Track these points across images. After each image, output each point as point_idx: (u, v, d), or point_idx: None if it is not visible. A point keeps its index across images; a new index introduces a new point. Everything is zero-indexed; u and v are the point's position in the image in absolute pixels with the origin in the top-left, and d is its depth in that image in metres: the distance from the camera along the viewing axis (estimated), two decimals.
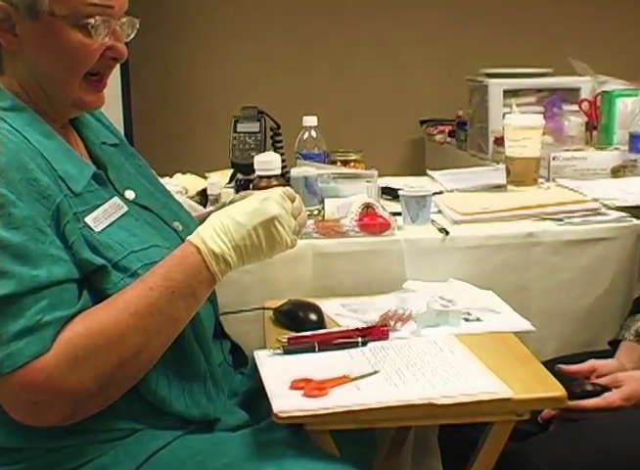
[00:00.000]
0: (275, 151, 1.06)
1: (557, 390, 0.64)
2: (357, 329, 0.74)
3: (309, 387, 0.63)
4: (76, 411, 0.60)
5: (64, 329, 0.58)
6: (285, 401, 0.61)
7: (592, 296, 0.93)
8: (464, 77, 1.60)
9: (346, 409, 0.60)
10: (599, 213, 0.97)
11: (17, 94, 0.65)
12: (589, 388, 0.74)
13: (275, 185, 0.86)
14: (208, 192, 1.05)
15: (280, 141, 1.10)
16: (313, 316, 0.78)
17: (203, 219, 0.69)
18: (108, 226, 0.64)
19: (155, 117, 2.07)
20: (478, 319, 0.79)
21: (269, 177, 0.90)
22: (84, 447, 0.62)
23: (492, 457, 0.66)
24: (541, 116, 1.15)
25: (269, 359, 0.70)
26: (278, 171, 0.91)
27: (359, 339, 0.72)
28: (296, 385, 0.64)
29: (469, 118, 1.60)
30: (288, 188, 0.69)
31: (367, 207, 0.93)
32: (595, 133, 1.33)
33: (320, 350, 0.71)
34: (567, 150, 1.20)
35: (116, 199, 0.67)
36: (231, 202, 0.72)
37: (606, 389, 0.74)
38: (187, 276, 0.62)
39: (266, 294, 0.86)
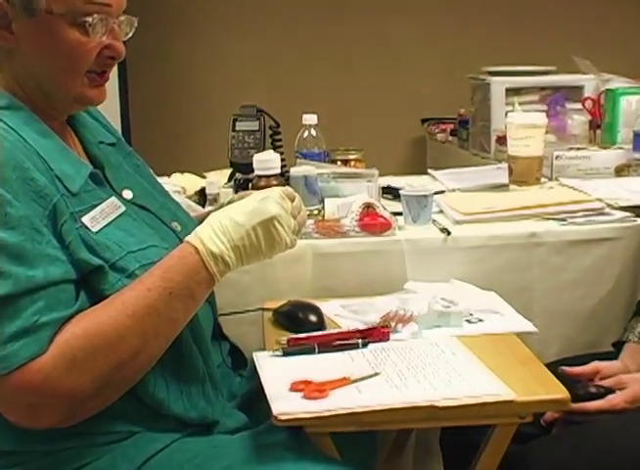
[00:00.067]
0: (274, 150, 1.06)
1: (560, 392, 0.64)
2: (358, 330, 0.73)
3: (309, 389, 0.62)
4: (73, 414, 0.59)
5: (61, 330, 0.58)
6: (284, 404, 0.61)
7: (596, 297, 0.92)
8: (466, 75, 1.59)
9: (347, 411, 0.60)
10: (603, 213, 0.96)
11: (13, 92, 0.64)
12: (593, 390, 0.73)
13: (274, 184, 0.85)
14: (207, 191, 1.04)
15: (279, 140, 1.10)
16: (313, 317, 0.78)
17: (201, 220, 0.68)
18: (105, 226, 0.63)
19: (153, 116, 2.07)
20: (479, 320, 0.78)
21: (268, 177, 0.89)
22: (81, 450, 0.62)
23: (494, 460, 0.66)
24: (544, 114, 1.14)
25: (268, 361, 0.69)
26: (277, 171, 0.90)
27: (359, 340, 0.71)
28: (295, 387, 0.63)
29: (471, 117, 1.59)
30: (287, 187, 0.68)
31: (368, 206, 0.92)
32: (599, 132, 1.32)
33: (320, 351, 0.70)
34: (570, 149, 1.19)
35: (114, 199, 0.66)
36: (229, 202, 0.72)
37: (610, 391, 0.73)
38: (185, 277, 0.61)
39: (265, 294, 0.85)
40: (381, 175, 1.02)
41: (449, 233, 0.91)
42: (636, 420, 0.70)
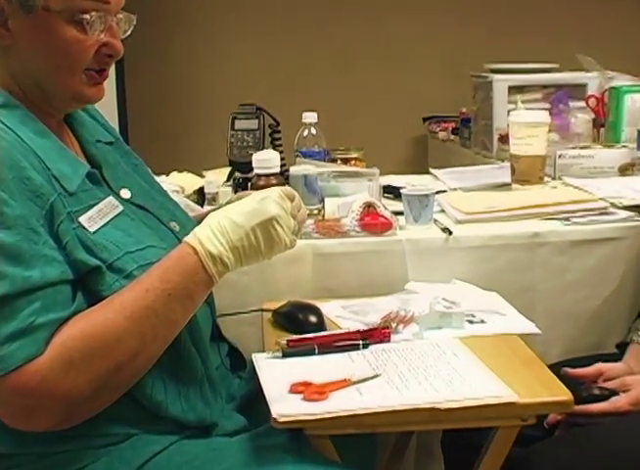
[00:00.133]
0: (274, 149, 1.06)
1: (563, 394, 0.63)
2: (358, 331, 0.73)
3: (309, 391, 0.62)
4: (69, 416, 0.59)
5: (58, 332, 0.57)
6: (284, 406, 0.60)
7: (599, 297, 0.92)
8: (468, 73, 1.58)
9: (347, 413, 0.59)
10: (606, 213, 0.96)
11: (10, 90, 0.64)
12: (596, 392, 0.73)
13: (274, 184, 0.85)
14: (206, 191, 1.04)
15: (279, 138, 1.09)
16: (313, 318, 0.77)
17: (200, 220, 0.68)
18: (102, 226, 0.63)
19: (150, 115, 2.06)
20: (481, 321, 0.78)
21: (268, 176, 0.89)
22: (78, 453, 0.61)
23: (497, 463, 0.65)
24: (547, 112, 1.14)
25: (268, 362, 0.69)
26: (277, 170, 0.90)
27: (360, 341, 0.71)
28: (295, 389, 0.63)
29: (473, 115, 1.59)
30: (287, 187, 0.68)
31: (368, 206, 0.92)
32: (602, 130, 1.32)
33: (320, 352, 0.70)
34: (573, 148, 1.19)
35: (112, 198, 0.66)
36: (228, 203, 0.71)
37: (613, 393, 0.73)
38: (183, 278, 0.61)
39: (265, 295, 0.85)
40: (381, 174, 1.02)
41: (451, 233, 0.91)
42: None
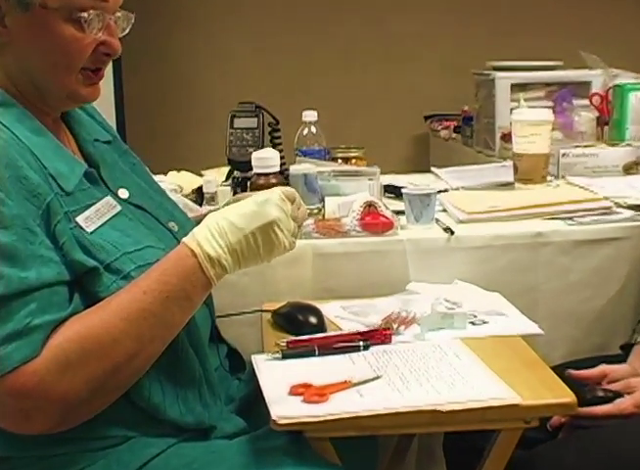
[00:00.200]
0: (273, 147, 1.05)
1: (566, 396, 0.62)
2: (359, 332, 0.72)
3: (309, 392, 0.61)
4: (65, 419, 0.58)
5: (54, 333, 0.57)
6: (283, 408, 0.60)
7: (603, 298, 0.91)
8: (470, 71, 1.57)
9: (348, 416, 0.59)
10: (610, 212, 0.95)
11: (5, 88, 0.63)
12: (600, 394, 0.72)
13: (273, 183, 0.84)
14: (204, 190, 1.03)
15: (279, 137, 1.08)
16: (313, 319, 0.77)
17: (199, 220, 0.67)
18: (100, 226, 0.62)
19: (149, 113, 2.05)
20: (484, 322, 0.77)
21: (267, 175, 0.88)
22: (75, 456, 0.61)
23: (499, 466, 0.65)
24: (550, 110, 1.13)
25: (267, 364, 0.68)
26: (276, 169, 0.89)
27: (361, 343, 0.70)
28: (295, 390, 0.62)
29: (475, 114, 1.58)
30: (287, 188, 0.67)
31: (369, 205, 0.91)
32: (606, 129, 1.30)
33: (320, 354, 0.69)
34: (577, 146, 1.18)
35: (109, 198, 0.65)
36: (226, 204, 0.70)
37: (618, 395, 0.72)
38: (181, 280, 0.60)
39: (264, 296, 0.84)
40: (382, 173, 1.01)
41: (453, 233, 0.90)
42: None
